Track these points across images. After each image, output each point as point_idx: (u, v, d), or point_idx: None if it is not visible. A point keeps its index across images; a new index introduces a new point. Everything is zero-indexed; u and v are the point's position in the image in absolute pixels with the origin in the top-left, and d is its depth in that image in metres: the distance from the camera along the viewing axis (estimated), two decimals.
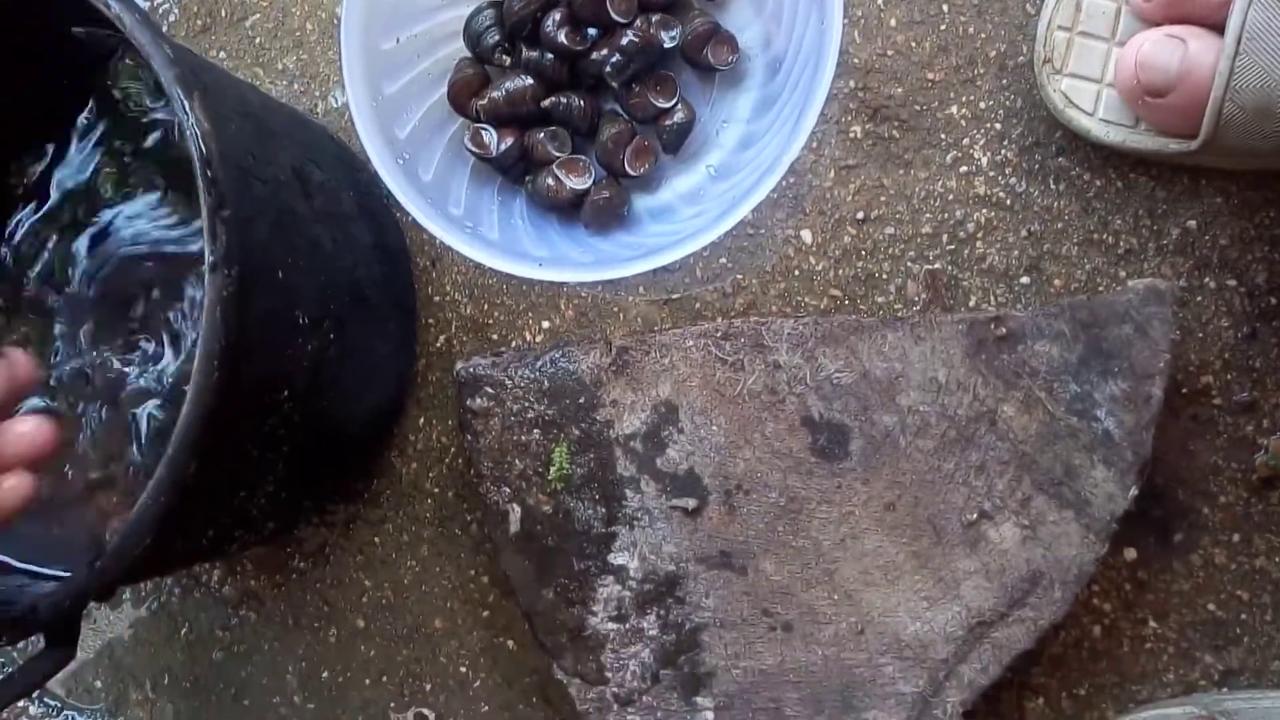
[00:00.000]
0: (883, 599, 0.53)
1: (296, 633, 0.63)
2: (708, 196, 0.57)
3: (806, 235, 0.59)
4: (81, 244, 0.57)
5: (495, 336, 0.61)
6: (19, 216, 0.56)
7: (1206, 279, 0.56)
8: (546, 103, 0.56)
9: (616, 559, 0.55)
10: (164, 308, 0.56)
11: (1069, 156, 0.57)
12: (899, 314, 0.57)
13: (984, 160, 0.57)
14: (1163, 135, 0.53)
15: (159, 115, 0.55)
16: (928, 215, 0.58)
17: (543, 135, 0.56)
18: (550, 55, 0.56)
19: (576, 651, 0.55)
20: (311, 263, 0.48)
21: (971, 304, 0.57)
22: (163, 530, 0.40)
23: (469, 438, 0.56)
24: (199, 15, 0.66)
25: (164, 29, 0.66)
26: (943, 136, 0.58)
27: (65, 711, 0.66)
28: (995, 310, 0.54)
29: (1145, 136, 0.53)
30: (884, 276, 0.58)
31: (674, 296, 0.60)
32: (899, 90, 0.58)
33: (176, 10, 0.66)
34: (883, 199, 0.58)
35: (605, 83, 0.56)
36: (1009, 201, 0.57)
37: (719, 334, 0.54)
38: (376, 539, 0.63)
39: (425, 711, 0.62)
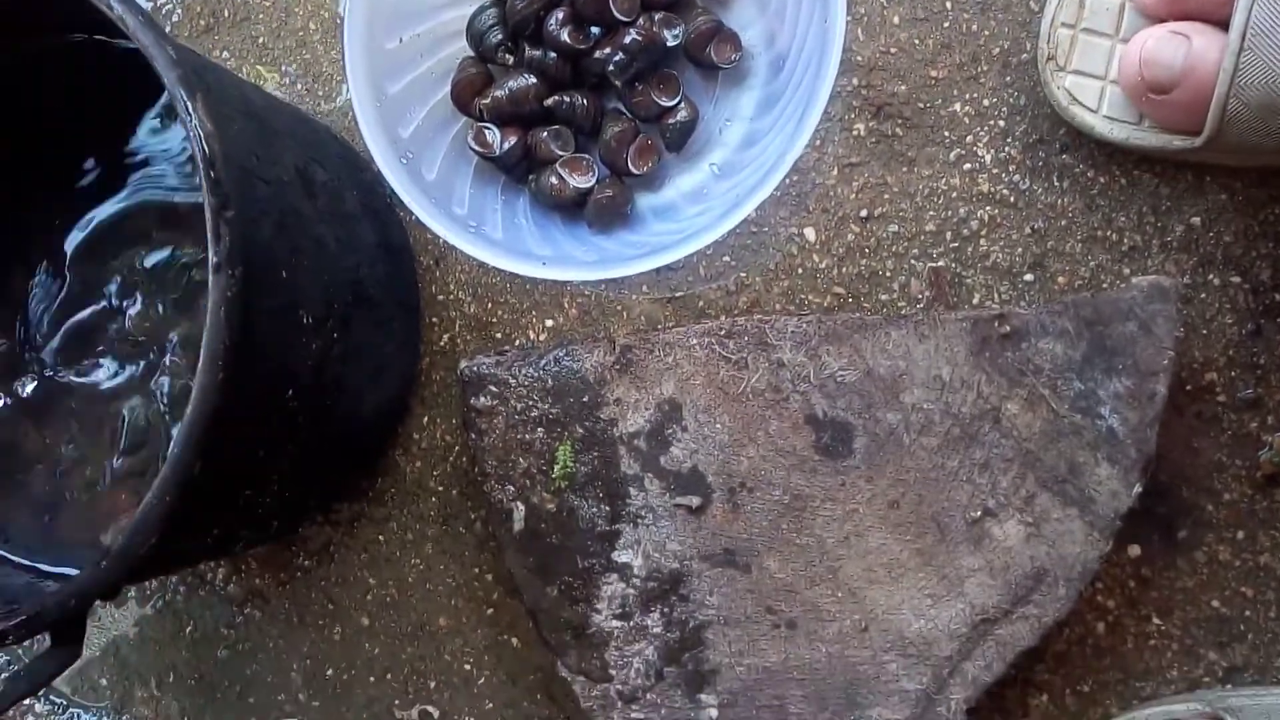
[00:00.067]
0: (886, 596, 0.53)
1: (301, 630, 0.64)
2: (711, 195, 0.57)
3: (810, 233, 0.59)
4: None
5: (499, 335, 0.61)
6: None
7: (1211, 276, 0.56)
8: (550, 101, 0.56)
9: (620, 557, 0.55)
10: (167, 309, 0.56)
11: (1073, 153, 0.56)
12: (903, 312, 0.57)
13: (988, 157, 0.57)
14: (1167, 132, 0.53)
15: None
16: (931, 213, 0.58)
17: (546, 134, 0.56)
18: (553, 54, 0.56)
19: (581, 649, 0.55)
20: (315, 262, 0.48)
21: (975, 301, 0.57)
22: (168, 529, 0.40)
23: (473, 436, 0.56)
24: (202, 15, 0.66)
25: (167, 29, 0.66)
26: (946, 134, 0.57)
27: (71, 709, 0.66)
28: (999, 308, 0.54)
29: (1149, 133, 0.53)
30: (887, 274, 0.58)
31: (677, 295, 0.60)
32: (902, 88, 0.58)
33: (180, 11, 0.66)
34: (886, 197, 0.58)
35: (608, 81, 0.56)
36: (1013, 199, 0.57)
37: (723, 332, 0.54)
38: (381, 537, 0.63)
39: (430, 709, 0.62)
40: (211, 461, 0.41)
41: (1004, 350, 0.52)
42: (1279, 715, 0.50)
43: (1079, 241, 0.56)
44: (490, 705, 0.61)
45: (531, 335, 0.61)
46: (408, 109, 0.56)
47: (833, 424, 0.53)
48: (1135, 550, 0.56)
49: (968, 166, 0.57)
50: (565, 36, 0.55)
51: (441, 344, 0.62)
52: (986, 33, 0.57)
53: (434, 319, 0.62)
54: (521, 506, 0.56)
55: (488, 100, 0.56)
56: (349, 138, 0.62)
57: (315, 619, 0.63)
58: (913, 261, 0.58)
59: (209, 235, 0.39)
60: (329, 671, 0.63)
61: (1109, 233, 0.56)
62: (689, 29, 0.55)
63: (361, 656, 0.63)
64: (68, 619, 0.43)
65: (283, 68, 0.65)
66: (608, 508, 0.55)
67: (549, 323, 0.61)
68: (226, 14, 0.65)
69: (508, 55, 0.57)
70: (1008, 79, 0.57)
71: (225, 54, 0.65)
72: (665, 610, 0.54)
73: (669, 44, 0.55)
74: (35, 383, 0.57)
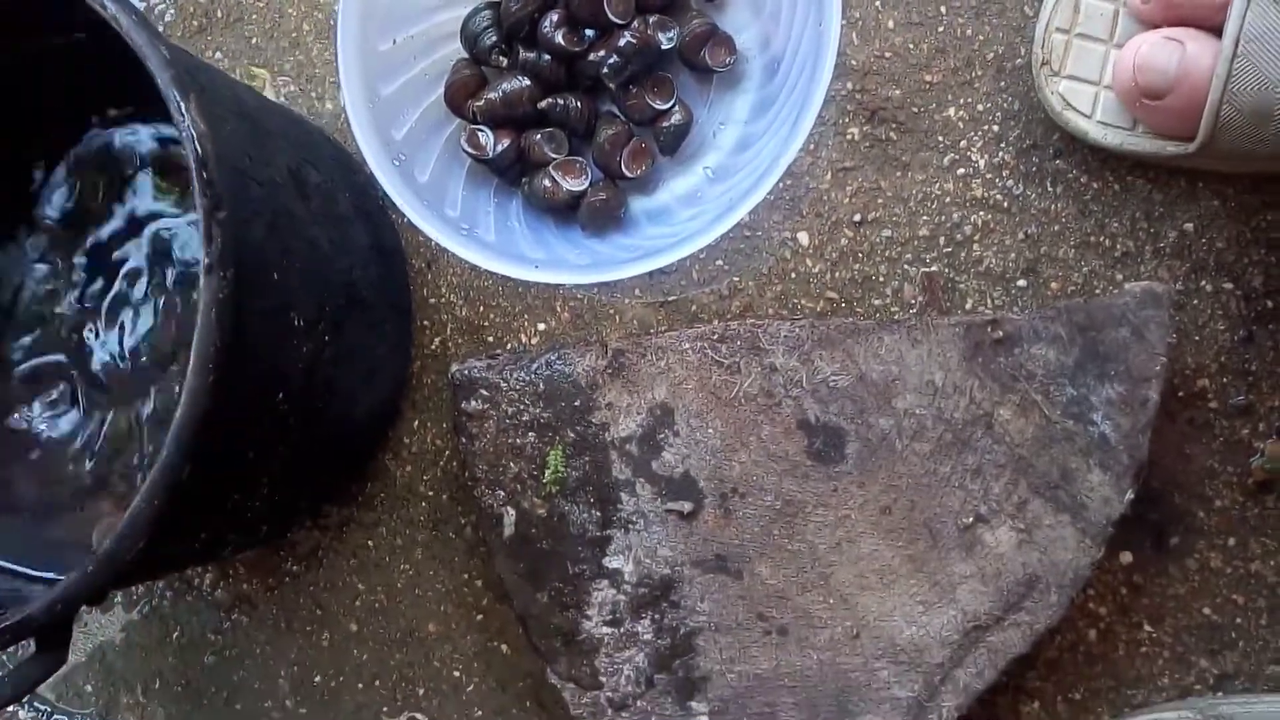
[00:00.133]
0: (878, 603, 0.53)
1: (289, 637, 0.63)
2: (705, 198, 0.57)
3: (803, 237, 0.58)
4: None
5: (491, 339, 0.61)
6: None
7: (1203, 282, 0.56)
8: (543, 104, 0.56)
9: (611, 563, 0.54)
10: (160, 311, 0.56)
11: (1066, 159, 0.57)
12: (896, 317, 0.57)
13: (981, 162, 0.57)
14: (1160, 138, 0.53)
15: None
16: (925, 218, 0.57)
17: (540, 137, 0.56)
18: (547, 56, 0.56)
19: (571, 656, 0.55)
20: (308, 264, 0.48)
21: (968, 307, 0.57)
22: (156, 533, 0.40)
23: (464, 440, 0.56)
24: (195, 16, 0.65)
25: (160, 29, 0.66)
26: (940, 139, 0.57)
27: (56, 716, 0.66)
28: (992, 313, 0.54)
29: (1143, 139, 0.53)
30: (881, 279, 0.58)
31: (670, 299, 0.60)
32: (896, 92, 0.58)
33: (173, 11, 0.66)
34: (880, 201, 0.58)
35: (602, 84, 0.56)
36: (1006, 204, 0.57)
37: (715, 336, 0.54)
38: (370, 542, 0.62)
39: (418, 716, 0.61)
40: (201, 465, 0.40)
41: (997, 356, 0.52)
42: None
43: (1072, 247, 0.56)
44: (480, 712, 0.61)
45: (523, 339, 0.61)
46: (401, 111, 0.56)
47: (825, 429, 0.53)
48: (1127, 557, 0.56)
49: (961, 171, 0.57)
50: (560, 39, 0.55)
51: (433, 347, 0.62)
52: (981, 37, 0.57)
53: (426, 322, 0.62)
54: (512, 511, 0.55)
55: (481, 102, 0.56)
56: (342, 139, 0.62)
57: (303, 625, 0.63)
58: (906, 266, 0.58)
59: (201, 236, 0.39)
60: (317, 678, 0.63)
61: (1102, 238, 0.56)
62: (684, 32, 0.55)
63: (350, 663, 0.62)
64: (53, 624, 0.43)
65: (276, 68, 0.64)
66: (599, 513, 0.55)
67: (541, 326, 0.61)
68: (220, 15, 0.65)
69: (502, 57, 0.57)
70: (1002, 84, 0.57)
71: (218, 55, 0.65)
72: (656, 617, 0.54)
73: (663, 47, 0.55)
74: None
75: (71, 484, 0.56)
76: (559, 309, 0.61)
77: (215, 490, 0.47)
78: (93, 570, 0.40)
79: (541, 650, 0.55)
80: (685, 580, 0.54)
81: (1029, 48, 0.56)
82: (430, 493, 0.62)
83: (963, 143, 0.57)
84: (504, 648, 0.61)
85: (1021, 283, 0.57)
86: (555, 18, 0.55)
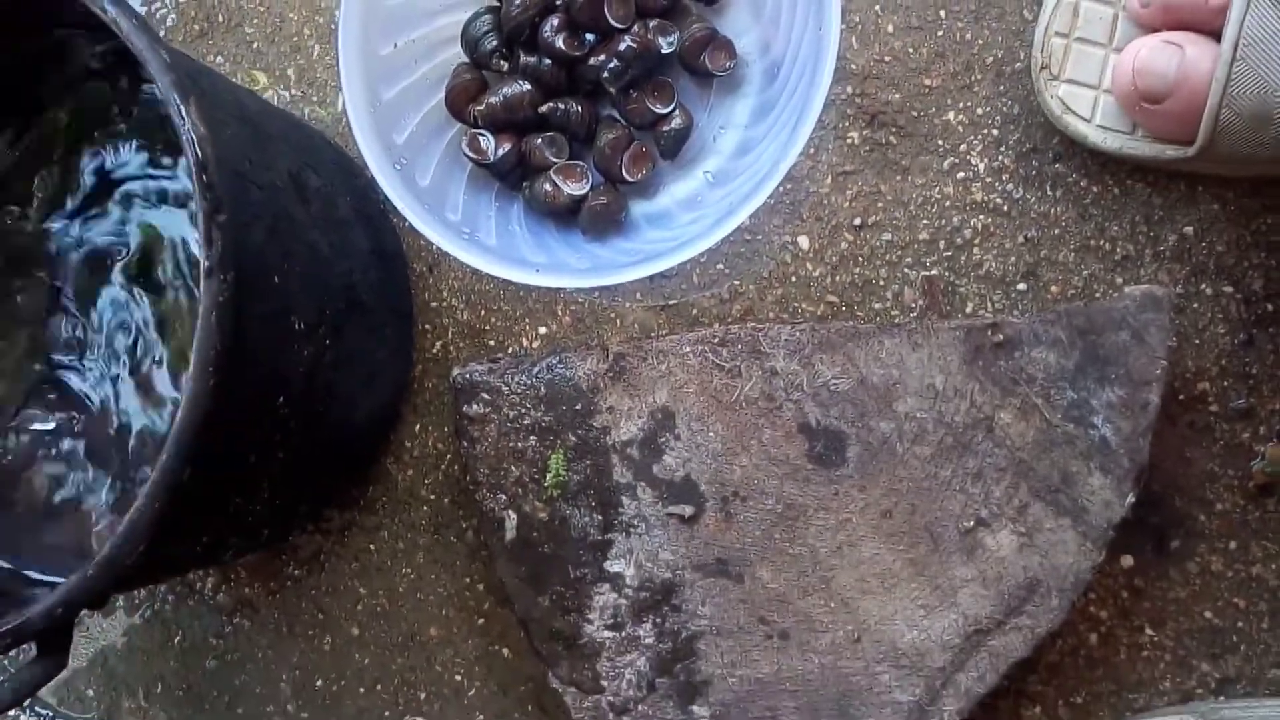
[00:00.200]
0: (880, 607, 0.53)
1: (290, 641, 0.63)
2: (705, 202, 0.57)
3: (804, 241, 0.59)
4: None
5: (492, 342, 0.61)
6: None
7: (1203, 285, 0.56)
8: (544, 108, 0.56)
9: (613, 566, 0.54)
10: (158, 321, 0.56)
11: (1066, 163, 0.57)
12: (896, 320, 0.57)
13: (981, 166, 0.57)
14: (1160, 141, 0.53)
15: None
16: (925, 221, 0.58)
17: (540, 141, 0.56)
18: (548, 61, 0.56)
19: (572, 660, 0.55)
20: (308, 268, 0.48)
21: (968, 310, 0.57)
22: (157, 536, 0.40)
23: (465, 444, 0.56)
24: (196, 20, 0.65)
25: (161, 33, 0.66)
26: (940, 143, 0.58)
27: None
28: (992, 317, 0.54)
29: (1142, 143, 0.53)
30: (881, 283, 0.58)
31: (671, 302, 0.60)
32: (896, 96, 0.58)
33: (174, 15, 0.66)
34: (880, 205, 0.58)
35: (603, 88, 0.56)
36: (1006, 208, 0.57)
37: (716, 340, 0.54)
38: (372, 546, 0.62)
39: None
40: (201, 468, 0.40)
41: (997, 359, 0.52)
42: None
43: (1072, 251, 0.56)
44: (481, 717, 0.61)
45: (525, 342, 0.61)
46: (402, 115, 0.56)
47: (826, 433, 0.53)
48: (1128, 560, 0.56)
49: (961, 175, 0.57)
50: (560, 43, 0.55)
51: (434, 351, 0.62)
52: (980, 41, 0.57)
53: (427, 326, 0.62)
54: (513, 515, 0.55)
55: (482, 106, 0.56)
56: (343, 143, 0.62)
57: (305, 629, 0.63)
58: (906, 270, 0.58)
59: (201, 240, 0.39)
60: (318, 682, 0.63)
61: (1102, 242, 0.56)
62: (684, 36, 0.55)
63: (351, 667, 0.62)
64: (54, 628, 0.43)
65: (277, 72, 0.64)
66: (600, 517, 0.55)
67: (542, 330, 0.61)
68: (220, 18, 0.65)
69: (502, 61, 0.57)
70: (1001, 88, 0.57)
71: (219, 58, 0.65)
72: (657, 621, 0.54)
73: (664, 51, 0.55)
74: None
75: (74, 488, 0.56)
76: (560, 313, 0.61)
77: (216, 493, 0.47)
78: (93, 574, 0.40)
79: (543, 654, 0.55)
80: (686, 584, 0.54)
81: (1028, 52, 0.56)
82: (431, 496, 0.62)
83: (962, 147, 0.57)
84: (505, 652, 0.61)
85: (1021, 286, 0.57)
86: (556, 22, 0.55)
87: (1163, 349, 0.51)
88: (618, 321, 0.60)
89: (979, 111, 0.57)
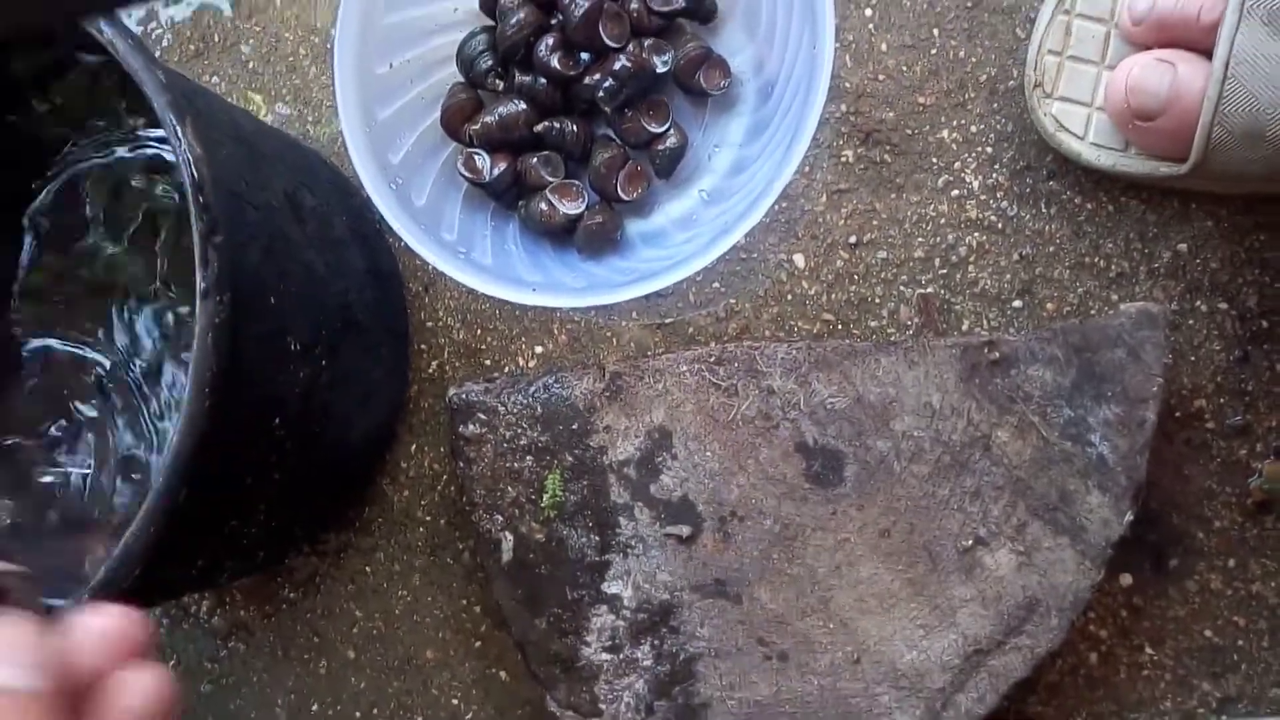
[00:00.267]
0: (879, 627, 0.52)
1: (286, 664, 0.63)
2: (700, 221, 0.57)
3: (799, 259, 0.59)
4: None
5: (488, 362, 0.61)
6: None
7: (1198, 302, 0.56)
8: (539, 128, 0.56)
9: (610, 588, 0.54)
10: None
11: (1060, 180, 0.57)
12: (892, 338, 0.57)
13: (975, 184, 0.57)
14: (1153, 159, 0.53)
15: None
16: (920, 239, 0.58)
17: (536, 160, 0.56)
18: (543, 80, 0.56)
19: (570, 683, 0.54)
20: (304, 288, 0.48)
21: (964, 328, 0.57)
22: (153, 559, 0.40)
23: (461, 465, 0.56)
24: (192, 40, 0.66)
25: (157, 54, 0.66)
26: (934, 160, 0.58)
27: None
28: (988, 334, 0.54)
29: (1136, 160, 0.53)
30: (877, 301, 0.58)
31: (667, 321, 0.60)
32: (890, 114, 0.58)
33: (170, 35, 0.66)
34: (875, 223, 0.58)
35: (598, 108, 0.56)
36: (1000, 225, 0.57)
37: (712, 359, 0.54)
38: (368, 568, 0.62)
39: None
40: (197, 489, 0.40)
41: (993, 377, 0.52)
42: None
43: (1067, 268, 0.57)
44: None
45: (521, 362, 0.61)
46: (397, 134, 0.56)
47: (823, 452, 0.53)
48: (1127, 579, 0.56)
49: (955, 193, 0.57)
50: (555, 63, 0.55)
51: (430, 371, 0.62)
52: (974, 60, 0.58)
53: (423, 346, 0.62)
54: (510, 536, 0.55)
55: (477, 126, 0.56)
56: (338, 163, 0.62)
57: (300, 652, 0.62)
58: (902, 288, 0.58)
59: (197, 261, 0.39)
60: (314, 706, 0.62)
61: (1097, 259, 0.56)
62: (678, 55, 0.56)
63: (347, 690, 0.62)
64: None
65: (272, 93, 0.64)
66: (597, 537, 0.54)
67: (538, 349, 0.61)
68: (216, 39, 0.65)
69: (498, 81, 0.57)
70: (995, 106, 0.57)
71: (215, 79, 0.65)
72: (655, 642, 0.54)
73: (658, 70, 0.55)
74: None
75: (72, 510, 0.55)
76: (556, 332, 0.60)
77: (212, 515, 0.46)
78: (88, 597, 0.40)
79: (540, 677, 0.55)
80: (684, 605, 0.54)
81: (1021, 70, 0.56)
82: (428, 518, 0.61)
83: (957, 164, 0.58)
84: (503, 675, 0.60)
85: (1017, 304, 0.57)
86: (551, 41, 0.55)
87: (1159, 366, 0.51)
88: (614, 340, 0.60)
89: (973, 129, 0.58)
